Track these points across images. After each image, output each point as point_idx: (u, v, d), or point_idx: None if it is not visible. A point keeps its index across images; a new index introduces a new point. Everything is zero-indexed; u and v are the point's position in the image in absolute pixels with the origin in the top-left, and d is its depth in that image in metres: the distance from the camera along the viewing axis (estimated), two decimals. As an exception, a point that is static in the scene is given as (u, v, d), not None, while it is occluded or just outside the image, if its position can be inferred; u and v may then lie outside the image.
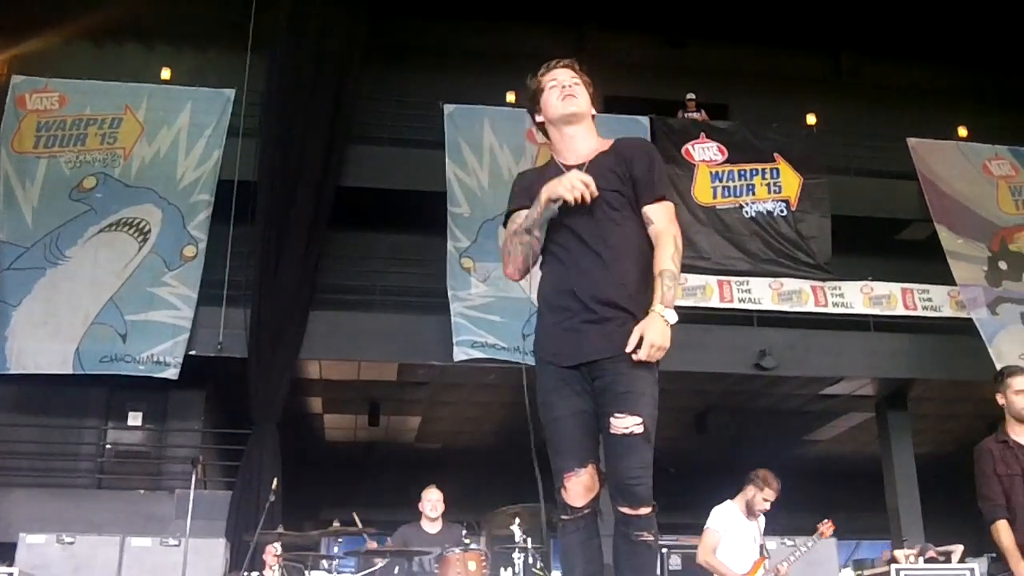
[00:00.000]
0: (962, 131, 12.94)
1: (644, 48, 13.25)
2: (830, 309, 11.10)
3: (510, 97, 11.37)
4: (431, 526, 6.95)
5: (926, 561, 7.90)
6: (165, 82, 11.32)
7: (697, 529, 6.09)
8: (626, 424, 2.71)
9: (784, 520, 6.44)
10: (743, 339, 10.86)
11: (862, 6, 12.76)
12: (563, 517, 2.87)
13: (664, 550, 7.08)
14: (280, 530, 6.53)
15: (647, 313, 2.77)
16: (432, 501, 6.97)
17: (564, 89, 2.98)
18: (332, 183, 10.54)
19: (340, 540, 6.24)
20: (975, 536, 4.49)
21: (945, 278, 11.33)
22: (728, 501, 6.00)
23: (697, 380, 10.87)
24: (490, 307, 10.19)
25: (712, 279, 10.99)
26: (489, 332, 10.05)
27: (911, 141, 12.15)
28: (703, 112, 12.26)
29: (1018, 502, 4.19)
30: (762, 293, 11.05)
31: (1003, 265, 11.60)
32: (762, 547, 5.93)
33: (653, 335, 2.68)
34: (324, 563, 6.44)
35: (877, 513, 11.69)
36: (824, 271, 11.24)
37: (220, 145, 10.55)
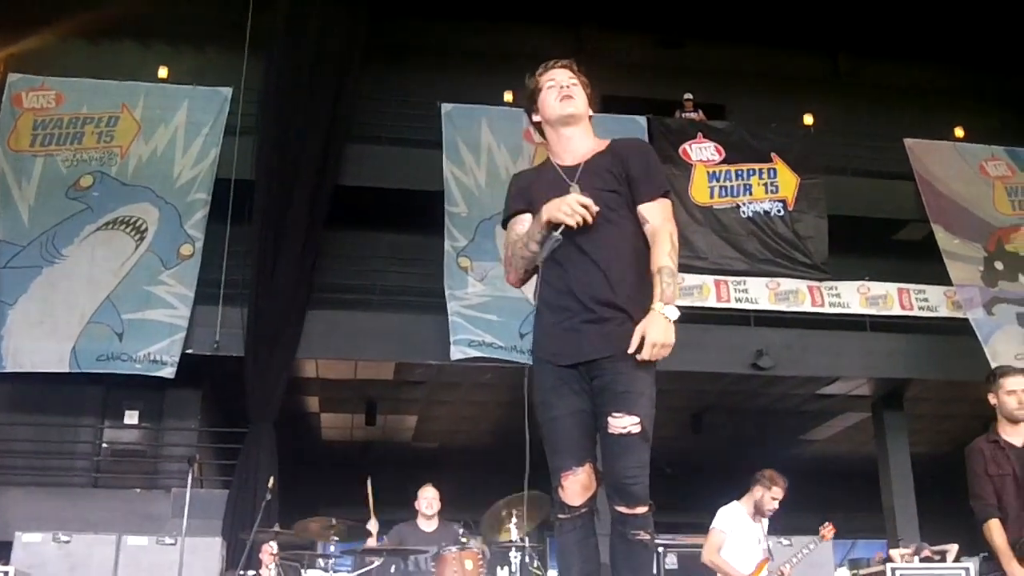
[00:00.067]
0: (959, 132, 12.97)
1: (642, 48, 13.26)
2: (827, 309, 11.12)
3: (508, 97, 11.38)
4: (427, 524, 6.95)
5: (921, 560, 7.92)
6: (162, 81, 11.31)
7: (694, 528, 6.11)
8: (624, 424, 2.72)
9: (780, 520, 6.45)
10: (740, 339, 10.88)
11: (859, 7, 12.77)
12: (560, 516, 2.87)
13: (660, 549, 7.08)
14: (276, 529, 6.53)
15: (646, 312, 2.77)
16: (428, 499, 6.97)
17: (562, 90, 2.98)
18: (329, 182, 10.53)
19: (336, 539, 6.23)
20: (970, 536, 4.50)
21: (941, 278, 11.35)
22: (734, 502, 6.02)
23: (694, 380, 10.89)
24: (487, 306, 10.19)
25: (709, 279, 11.00)
26: (486, 331, 10.06)
27: (908, 141, 12.16)
28: (700, 112, 12.27)
29: (1009, 502, 4.21)
30: (759, 293, 11.06)
31: (999, 265, 11.63)
32: (766, 548, 5.94)
33: (655, 334, 2.68)
34: (320, 562, 6.43)
35: (873, 513, 11.71)
36: (821, 271, 11.26)
37: (217, 144, 10.54)
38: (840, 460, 14.20)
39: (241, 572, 6.42)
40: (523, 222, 2.98)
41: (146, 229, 10.12)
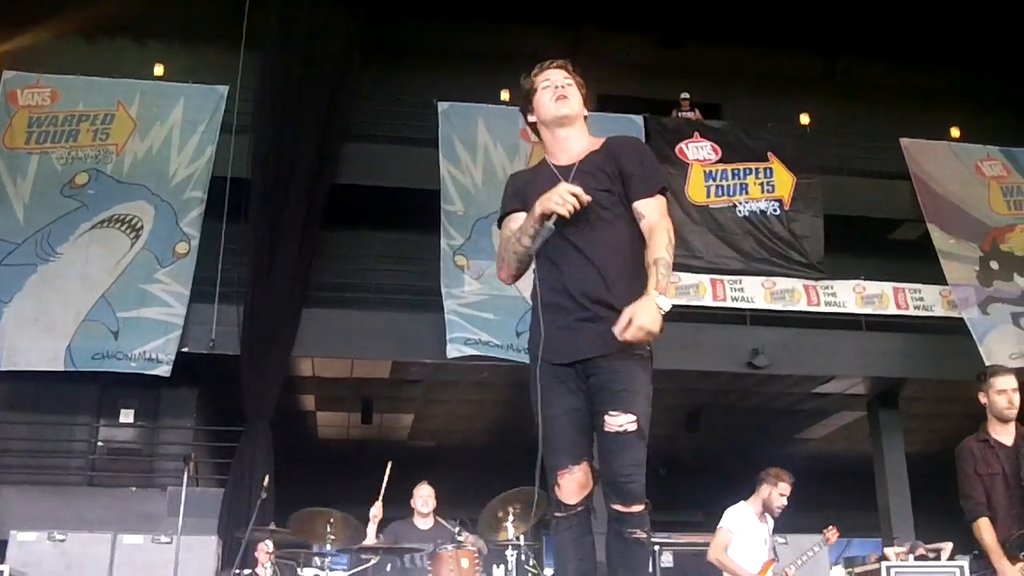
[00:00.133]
0: (955, 132, 12.99)
1: (640, 48, 13.26)
2: (822, 308, 11.14)
3: (505, 95, 11.38)
4: (423, 522, 6.95)
5: (916, 559, 7.94)
6: (158, 78, 11.28)
7: (690, 527, 6.12)
8: (620, 422, 2.72)
9: (776, 518, 6.45)
10: (736, 338, 10.89)
11: (856, 7, 12.79)
12: (557, 515, 2.88)
13: (656, 548, 7.09)
14: (272, 527, 6.53)
15: None
16: (423, 497, 6.97)
17: (557, 90, 2.98)
18: (326, 180, 10.52)
19: (332, 537, 6.23)
20: (964, 534, 4.52)
21: (937, 278, 11.38)
22: (742, 502, 6.03)
23: (689, 378, 10.90)
24: (483, 304, 10.20)
25: (705, 278, 11.01)
26: (483, 329, 10.06)
27: (904, 141, 12.18)
28: (697, 111, 12.28)
29: (999, 501, 4.23)
30: (755, 292, 11.07)
31: (994, 265, 11.65)
32: (772, 549, 5.96)
33: (644, 317, 2.63)
34: (316, 560, 6.43)
35: (868, 511, 11.74)
36: (817, 270, 11.27)
37: (213, 142, 10.52)
38: (835, 459, 14.22)
39: (237, 571, 6.42)
40: (517, 220, 2.98)
41: (142, 227, 10.10)
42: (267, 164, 10.29)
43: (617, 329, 2.65)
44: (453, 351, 9.95)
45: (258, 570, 6.85)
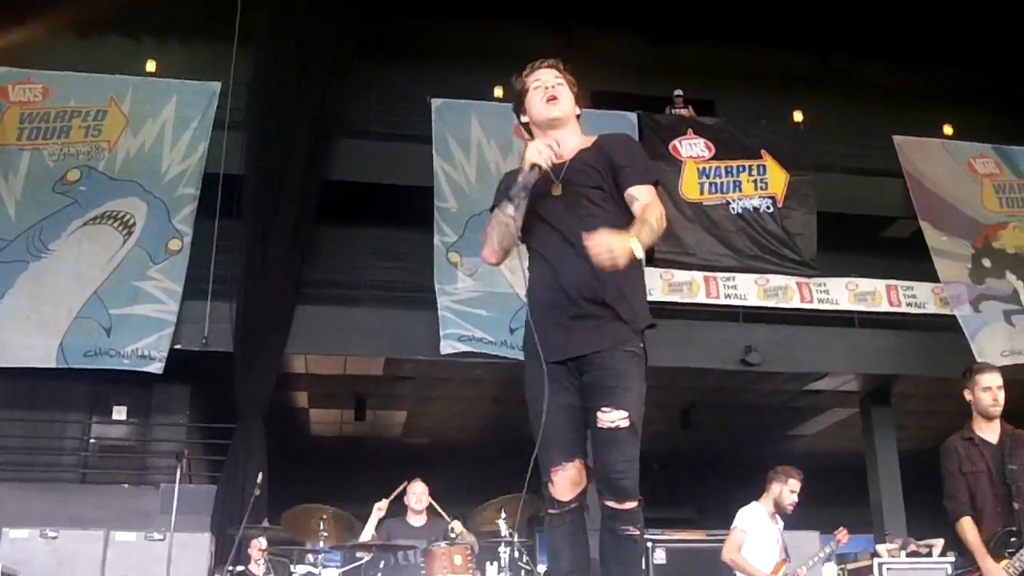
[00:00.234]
0: (948, 129, 13.03)
1: (633, 45, 13.26)
2: (815, 305, 11.17)
3: (498, 92, 11.37)
4: (416, 519, 6.95)
5: (908, 555, 7.97)
6: (151, 74, 11.25)
7: (683, 524, 6.13)
8: (612, 418, 2.73)
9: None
10: (729, 335, 10.91)
11: (849, 5, 12.81)
12: (550, 511, 2.88)
13: (649, 544, 7.10)
14: (265, 524, 6.52)
15: (634, 309, 2.81)
16: (417, 494, 6.98)
17: (547, 91, 2.99)
18: (319, 177, 10.51)
19: (325, 534, 6.23)
20: (955, 530, 4.54)
21: (929, 275, 11.41)
22: (754, 502, 6.04)
23: (683, 375, 10.91)
24: (477, 301, 10.20)
25: (698, 275, 11.02)
26: (476, 326, 10.06)
27: (897, 139, 12.21)
28: (690, 108, 12.29)
29: (985, 499, 4.24)
30: (748, 289, 11.09)
31: (986, 262, 11.69)
32: (784, 549, 5.97)
33: (615, 243, 2.62)
34: (309, 557, 6.43)
35: (860, 508, 11.77)
36: (810, 267, 11.30)
37: (206, 138, 10.49)
38: (828, 456, 14.25)
39: (230, 568, 6.41)
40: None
41: (134, 224, 10.07)
42: (260, 161, 10.26)
43: (590, 239, 2.64)
44: (447, 347, 9.95)
45: (251, 567, 6.85)
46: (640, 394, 2.79)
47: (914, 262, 11.54)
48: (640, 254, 2.65)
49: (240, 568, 6.64)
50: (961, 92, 13.57)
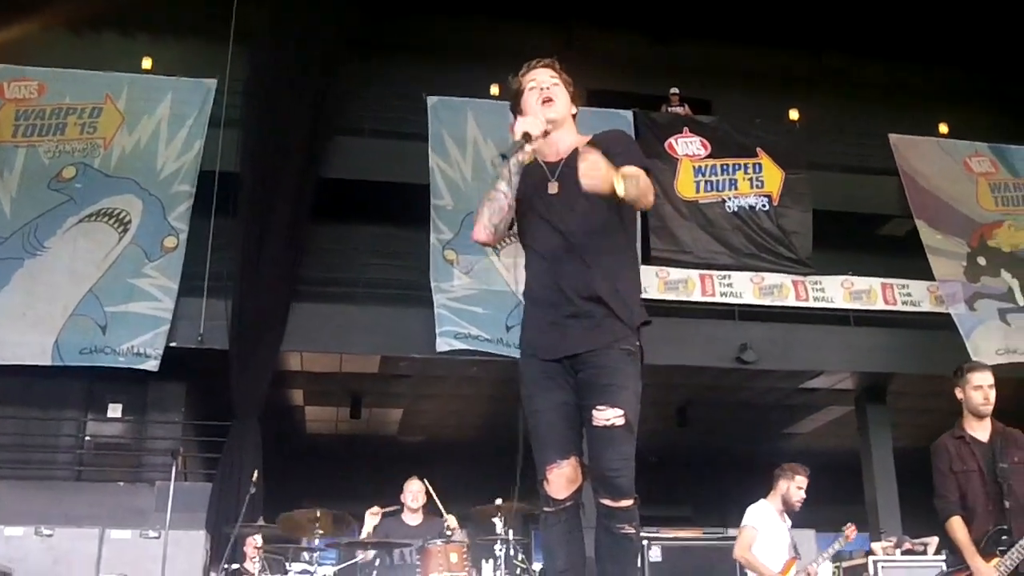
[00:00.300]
0: (943, 128, 13.04)
1: (631, 44, 13.26)
2: (811, 303, 11.18)
3: (494, 90, 11.36)
4: (412, 518, 6.95)
5: (903, 553, 8.00)
6: (146, 72, 11.23)
7: (678, 522, 6.13)
8: (607, 416, 2.73)
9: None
10: (724, 333, 10.91)
11: (845, 4, 12.82)
12: (546, 509, 2.88)
13: (645, 542, 7.11)
14: (261, 522, 6.52)
15: (630, 308, 2.82)
16: (413, 492, 6.98)
17: (543, 92, 2.99)
18: (314, 175, 10.50)
19: (321, 532, 6.23)
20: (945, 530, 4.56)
21: (925, 273, 11.43)
22: (762, 500, 6.05)
23: (678, 373, 10.92)
24: (473, 299, 10.19)
25: (694, 273, 11.03)
26: (472, 323, 10.06)
27: (893, 137, 12.23)
28: (686, 106, 12.29)
29: (976, 498, 4.25)
30: (743, 287, 11.10)
31: (982, 261, 11.71)
32: (793, 547, 5.98)
33: (605, 168, 2.63)
34: (305, 555, 6.43)
35: (856, 505, 11.78)
36: (805, 266, 11.31)
37: (201, 136, 10.47)
38: (823, 454, 14.26)
39: (225, 565, 6.41)
40: None
41: (129, 221, 10.05)
42: (256, 158, 10.25)
43: (585, 156, 2.67)
44: (443, 345, 9.94)
45: (246, 565, 6.84)
46: (635, 392, 2.80)
47: (910, 260, 11.55)
48: (621, 192, 2.64)
49: (235, 566, 6.63)
50: (957, 91, 13.59)
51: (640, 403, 2.81)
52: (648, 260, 10.68)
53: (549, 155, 3.02)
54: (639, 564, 5.82)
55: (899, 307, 11.35)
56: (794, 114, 12.71)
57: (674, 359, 10.19)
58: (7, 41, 10.94)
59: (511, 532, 6.11)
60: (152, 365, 9.44)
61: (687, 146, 11.65)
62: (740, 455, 13.52)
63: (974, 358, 9.98)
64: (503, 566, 5.99)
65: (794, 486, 5.97)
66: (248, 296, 9.81)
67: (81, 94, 10.56)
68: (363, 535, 6.66)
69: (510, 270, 9.93)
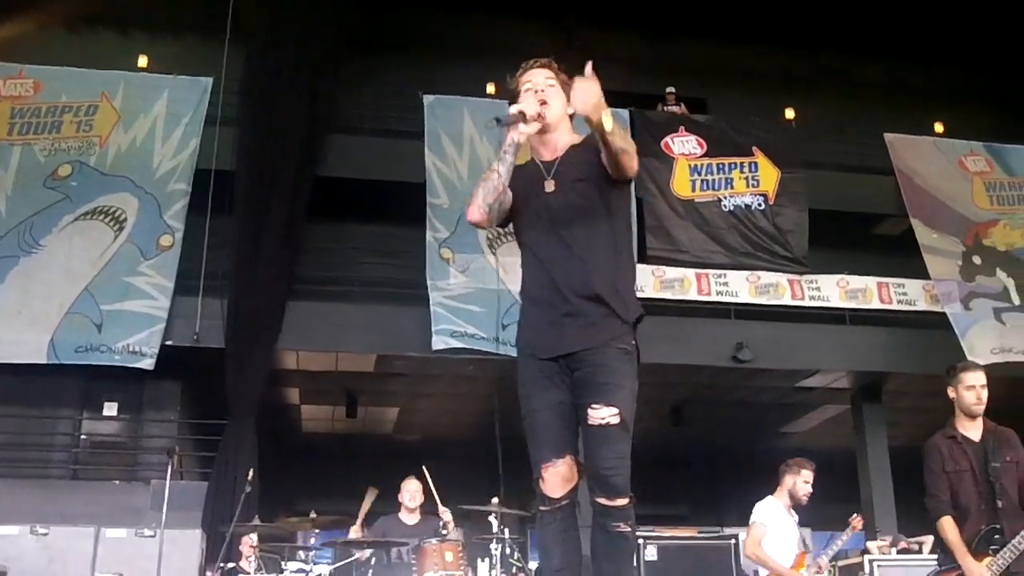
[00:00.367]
0: (939, 127, 13.06)
1: (628, 43, 13.24)
2: (807, 302, 11.19)
3: (491, 89, 11.36)
4: (409, 517, 6.96)
5: (899, 552, 8.01)
6: (142, 70, 11.20)
7: (674, 520, 6.14)
8: (603, 415, 2.73)
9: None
10: (720, 332, 10.92)
11: (842, 4, 12.83)
12: (541, 508, 2.88)
13: (641, 541, 7.11)
14: (256, 521, 6.52)
15: (626, 306, 2.83)
16: (411, 491, 6.98)
17: (538, 94, 2.98)
18: (311, 173, 10.48)
19: (317, 531, 6.23)
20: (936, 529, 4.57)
21: (920, 272, 11.44)
22: (769, 496, 6.06)
23: (674, 372, 10.93)
24: (469, 297, 10.19)
25: (690, 272, 11.04)
26: (468, 322, 10.05)
27: (889, 136, 12.24)
28: (682, 105, 12.29)
29: (968, 497, 4.26)
30: (739, 286, 11.11)
31: (977, 260, 11.73)
32: (802, 541, 5.99)
33: (598, 98, 2.66)
34: (301, 554, 6.43)
35: (851, 504, 11.78)
36: (801, 265, 11.32)
37: (197, 134, 10.45)
38: (819, 452, 14.21)
39: (221, 564, 6.41)
40: None
41: (125, 219, 10.04)
42: (252, 156, 10.24)
43: (583, 78, 2.68)
44: (439, 343, 9.94)
45: (242, 564, 6.84)
46: (631, 391, 2.80)
47: (905, 260, 11.57)
48: (608, 126, 2.68)
49: (231, 565, 6.64)
50: (952, 90, 13.60)
51: (636, 402, 2.81)
52: (644, 259, 10.69)
53: (545, 154, 3.02)
54: (635, 563, 5.83)
55: (895, 306, 11.36)
56: (790, 113, 12.72)
57: (670, 358, 10.20)
58: (3, 39, 10.91)
59: (507, 531, 6.11)
60: (148, 364, 9.43)
61: (683, 145, 11.65)
62: (736, 454, 13.54)
63: (969, 357, 10.00)
64: (499, 565, 5.99)
65: (800, 480, 5.98)
66: (244, 295, 9.81)
67: (77, 92, 10.54)
68: (361, 514, 6.65)
69: (506, 269, 9.93)
